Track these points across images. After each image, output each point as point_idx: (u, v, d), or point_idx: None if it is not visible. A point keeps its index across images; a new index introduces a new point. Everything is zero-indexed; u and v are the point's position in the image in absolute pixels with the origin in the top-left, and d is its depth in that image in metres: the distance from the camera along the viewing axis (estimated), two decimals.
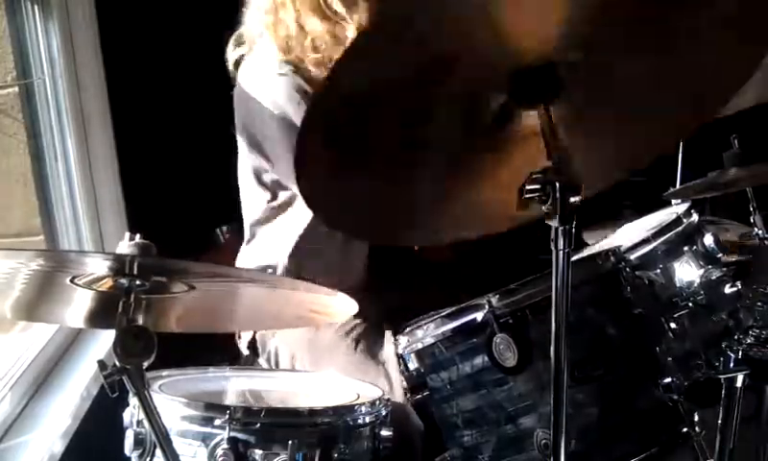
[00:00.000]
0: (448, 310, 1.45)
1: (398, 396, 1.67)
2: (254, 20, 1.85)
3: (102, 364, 1.12)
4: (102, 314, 1.26)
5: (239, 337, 1.99)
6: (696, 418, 1.40)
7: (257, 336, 1.95)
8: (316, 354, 1.85)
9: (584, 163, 1.06)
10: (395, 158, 1.13)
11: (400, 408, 1.61)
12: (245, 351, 1.98)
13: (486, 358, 1.37)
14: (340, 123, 1.04)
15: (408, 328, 1.50)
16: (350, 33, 1.74)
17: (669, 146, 1.90)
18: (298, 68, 1.77)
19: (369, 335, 1.85)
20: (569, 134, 1.09)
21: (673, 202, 1.89)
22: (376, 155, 1.12)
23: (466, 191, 1.26)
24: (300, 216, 1.84)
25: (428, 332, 1.46)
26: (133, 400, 1.33)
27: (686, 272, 1.50)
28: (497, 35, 1.00)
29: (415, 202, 1.25)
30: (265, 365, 1.94)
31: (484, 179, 1.25)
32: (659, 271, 1.48)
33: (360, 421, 1.38)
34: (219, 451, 1.27)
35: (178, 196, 2.01)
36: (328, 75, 1.01)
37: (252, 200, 1.93)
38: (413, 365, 1.48)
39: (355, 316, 1.51)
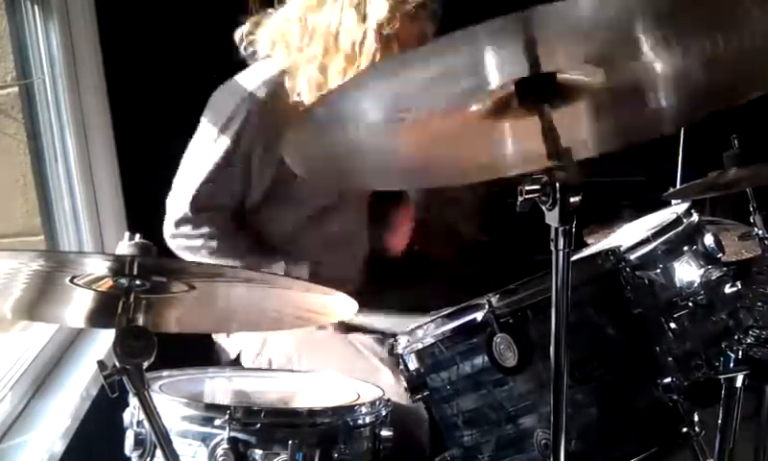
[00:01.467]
0: (448, 310, 1.45)
1: (401, 394, 1.66)
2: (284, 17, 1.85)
3: (102, 364, 1.12)
4: (102, 314, 1.26)
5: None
6: (696, 418, 1.40)
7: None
8: (312, 354, 1.85)
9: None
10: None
11: (403, 406, 1.61)
12: (228, 351, 1.98)
13: (486, 358, 1.37)
14: None
15: (408, 328, 1.50)
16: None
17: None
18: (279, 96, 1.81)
19: (366, 334, 1.85)
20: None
21: (673, 202, 1.89)
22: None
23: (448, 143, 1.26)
24: None
25: (428, 332, 1.45)
26: (133, 401, 1.33)
27: (686, 272, 1.50)
28: None
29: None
30: (260, 365, 1.94)
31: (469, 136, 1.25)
32: (659, 271, 1.47)
33: (360, 421, 1.38)
34: (219, 451, 1.27)
35: None
36: None
37: None
38: (413, 365, 1.48)
39: None
